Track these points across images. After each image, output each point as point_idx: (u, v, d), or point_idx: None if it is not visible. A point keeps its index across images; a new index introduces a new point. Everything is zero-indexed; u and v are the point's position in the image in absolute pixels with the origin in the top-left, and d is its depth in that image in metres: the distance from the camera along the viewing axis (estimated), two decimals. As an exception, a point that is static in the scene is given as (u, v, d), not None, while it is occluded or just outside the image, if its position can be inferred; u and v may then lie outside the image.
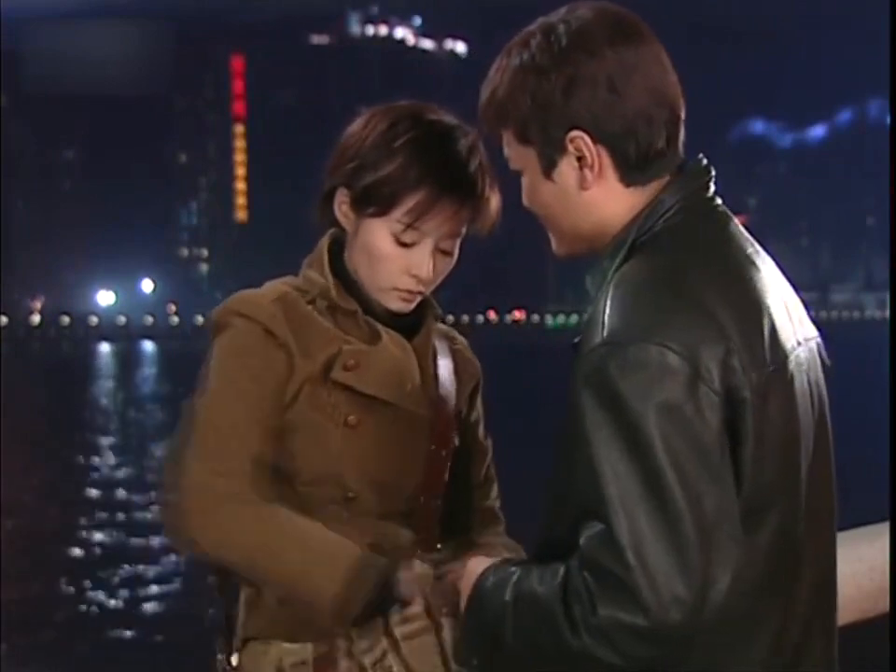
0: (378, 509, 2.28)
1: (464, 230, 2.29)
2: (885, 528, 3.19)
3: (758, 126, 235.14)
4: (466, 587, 1.96)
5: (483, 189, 2.25)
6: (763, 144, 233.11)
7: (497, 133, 1.98)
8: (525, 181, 1.98)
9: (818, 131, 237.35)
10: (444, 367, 2.39)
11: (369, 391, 2.26)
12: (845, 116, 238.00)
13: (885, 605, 3.11)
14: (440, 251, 2.27)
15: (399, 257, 2.24)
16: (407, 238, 2.23)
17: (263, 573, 2.17)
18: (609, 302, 1.79)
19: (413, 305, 2.32)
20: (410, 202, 2.20)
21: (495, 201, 2.29)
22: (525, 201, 1.99)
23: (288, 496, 2.23)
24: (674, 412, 1.71)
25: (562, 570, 1.76)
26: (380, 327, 2.31)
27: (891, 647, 2.76)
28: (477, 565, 1.98)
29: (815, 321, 1.97)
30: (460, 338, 2.50)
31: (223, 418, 2.19)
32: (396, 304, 2.30)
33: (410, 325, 2.36)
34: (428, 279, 2.28)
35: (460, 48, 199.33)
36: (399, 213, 2.21)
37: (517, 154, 1.96)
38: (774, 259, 1.96)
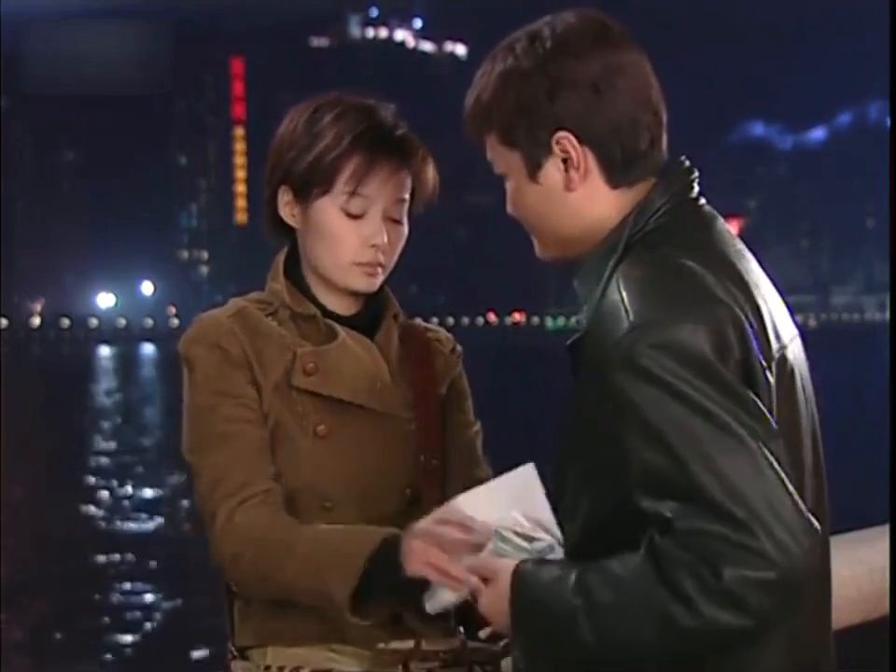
0: (359, 518, 2.25)
1: (407, 196, 2.32)
2: (885, 531, 3.17)
3: (758, 128, 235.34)
4: (499, 594, 1.87)
5: (415, 150, 2.31)
6: (764, 146, 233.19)
7: (482, 137, 2.00)
8: (509, 186, 1.99)
9: (818, 133, 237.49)
10: (416, 363, 2.40)
11: (334, 394, 2.28)
12: (845, 118, 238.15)
13: (885, 607, 3.08)
14: (390, 220, 2.30)
15: (352, 230, 2.28)
16: (354, 208, 2.27)
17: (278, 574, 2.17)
18: (625, 294, 1.82)
19: (378, 281, 2.33)
20: (349, 168, 2.26)
21: (431, 165, 2.34)
22: (508, 207, 2.01)
23: None
24: (717, 379, 1.74)
25: (642, 556, 1.73)
26: (339, 327, 2.32)
27: (892, 649, 2.74)
28: (503, 568, 1.90)
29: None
30: (440, 331, 2.50)
31: (218, 470, 2.23)
32: (361, 282, 2.31)
33: (372, 325, 2.38)
34: (385, 246, 2.30)
35: (460, 50, 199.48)
36: (341, 183, 2.26)
37: (502, 158, 1.98)
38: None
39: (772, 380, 1.82)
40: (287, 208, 2.33)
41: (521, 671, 1.87)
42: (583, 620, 1.75)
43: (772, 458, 1.71)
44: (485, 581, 1.92)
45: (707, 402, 1.72)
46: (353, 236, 2.28)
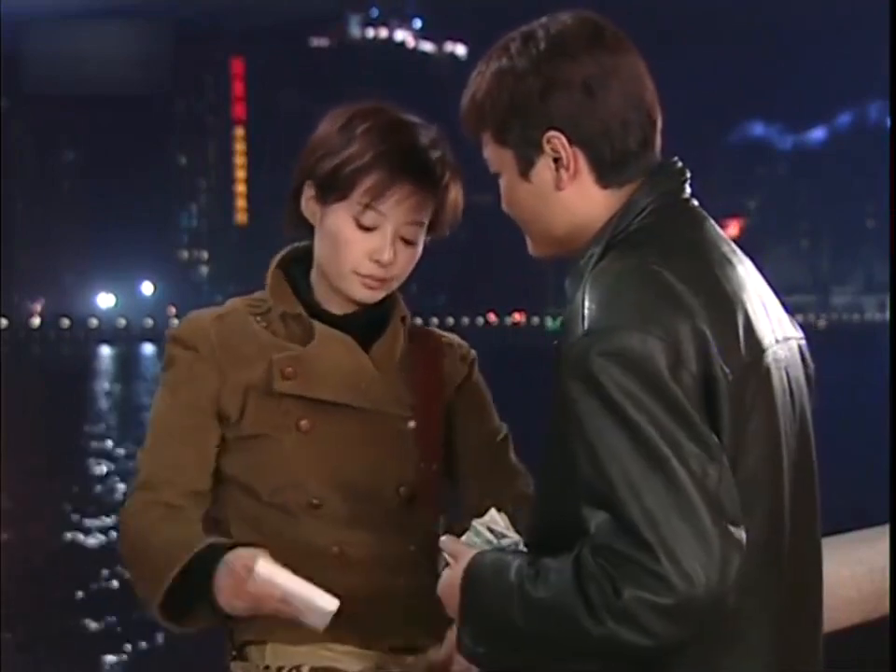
0: (348, 515, 2.29)
1: (425, 219, 2.34)
2: (885, 531, 3.18)
3: (758, 128, 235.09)
4: (456, 573, 1.93)
5: (440, 176, 2.32)
6: (764, 146, 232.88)
7: (478, 135, 2.03)
8: (502, 184, 2.02)
9: (818, 133, 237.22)
10: (421, 365, 2.42)
11: (317, 396, 2.30)
12: (845, 118, 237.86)
13: (885, 607, 3.10)
14: (402, 240, 2.32)
15: (360, 240, 2.30)
16: (367, 220, 2.29)
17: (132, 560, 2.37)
18: (587, 297, 1.83)
19: (378, 294, 2.36)
20: (367, 182, 2.28)
21: (455, 192, 2.36)
22: (503, 204, 2.04)
23: (257, 510, 2.31)
24: (662, 394, 1.74)
25: (570, 561, 1.76)
26: (319, 328, 2.35)
27: (892, 649, 2.77)
28: (467, 553, 1.94)
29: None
30: (452, 338, 2.52)
31: (145, 461, 2.35)
32: (360, 292, 2.34)
33: (377, 325, 2.40)
34: (390, 263, 2.31)
35: (460, 50, 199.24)
36: (357, 194, 2.29)
37: (495, 155, 2.01)
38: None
39: (736, 389, 1.81)
40: (309, 204, 2.36)
41: (465, 646, 1.90)
42: (516, 601, 1.80)
43: (700, 483, 1.72)
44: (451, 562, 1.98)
45: (644, 422, 1.73)
46: (358, 246, 2.30)
